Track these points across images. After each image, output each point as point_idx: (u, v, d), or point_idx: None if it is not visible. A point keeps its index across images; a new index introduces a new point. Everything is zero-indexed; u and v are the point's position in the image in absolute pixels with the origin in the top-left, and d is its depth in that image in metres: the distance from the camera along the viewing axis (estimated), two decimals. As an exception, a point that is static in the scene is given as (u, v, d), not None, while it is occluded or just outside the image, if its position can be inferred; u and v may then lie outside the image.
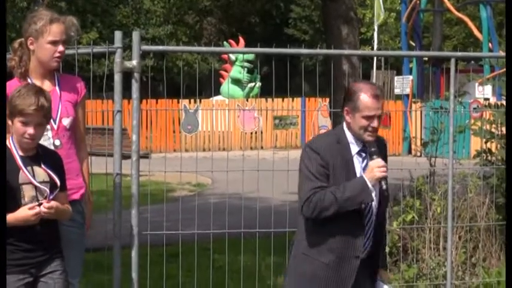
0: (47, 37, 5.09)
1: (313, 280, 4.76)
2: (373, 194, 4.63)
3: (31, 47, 5.14)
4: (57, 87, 5.18)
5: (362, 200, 4.61)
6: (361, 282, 4.80)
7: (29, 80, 5.13)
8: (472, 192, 8.07)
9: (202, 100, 27.12)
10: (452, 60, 7.13)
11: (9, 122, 4.62)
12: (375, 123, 4.66)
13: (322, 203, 4.60)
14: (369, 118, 4.65)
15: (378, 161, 4.62)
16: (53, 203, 4.58)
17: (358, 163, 4.75)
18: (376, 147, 4.69)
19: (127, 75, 6.10)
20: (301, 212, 4.73)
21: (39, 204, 4.54)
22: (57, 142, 4.97)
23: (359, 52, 9.42)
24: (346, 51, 8.38)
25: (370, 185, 4.59)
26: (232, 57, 29.40)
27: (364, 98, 4.65)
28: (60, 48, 5.12)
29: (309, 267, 4.78)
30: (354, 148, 4.75)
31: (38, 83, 5.08)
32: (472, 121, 9.20)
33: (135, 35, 6.19)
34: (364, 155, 4.74)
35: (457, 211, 7.82)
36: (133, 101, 6.19)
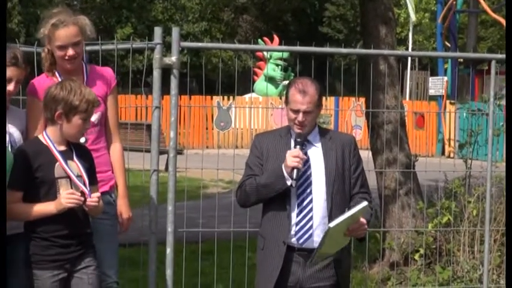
0: (54, 43, 5.01)
1: (257, 268, 4.92)
2: (289, 182, 4.66)
3: (48, 47, 5.09)
4: (84, 84, 5.02)
5: (278, 187, 4.69)
6: (307, 277, 4.77)
7: (57, 75, 5.09)
8: (508, 195, 7.99)
9: (236, 97, 27.12)
10: (493, 63, 7.07)
11: (60, 121, 4.59)
12: (299, 118, 4.76)
13: (246, 189, 4.79)
14: (295, 112, 4.77)
15: (293, 151, 4.69)
16: (98, 194, 4.59)
17: None
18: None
19: (163, 71, 6.07)
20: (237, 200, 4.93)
21: (83, 196, 4.52)
22: (82, 140, 4.85)
23: (399, 52, 9.37)
24: (386, 51, 8.32)
25: (285, 173, 4.66)
26: (266, 54, 29.37)
27: (293, 92, 4.79)
28: (70, 52, 5.00)
29: (257, 256, 4.96)
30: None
31: None
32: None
33: (175, 32, 6.18)
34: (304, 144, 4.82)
35: (492, 214, 7.77)
36: (172, 98, 6.16)
